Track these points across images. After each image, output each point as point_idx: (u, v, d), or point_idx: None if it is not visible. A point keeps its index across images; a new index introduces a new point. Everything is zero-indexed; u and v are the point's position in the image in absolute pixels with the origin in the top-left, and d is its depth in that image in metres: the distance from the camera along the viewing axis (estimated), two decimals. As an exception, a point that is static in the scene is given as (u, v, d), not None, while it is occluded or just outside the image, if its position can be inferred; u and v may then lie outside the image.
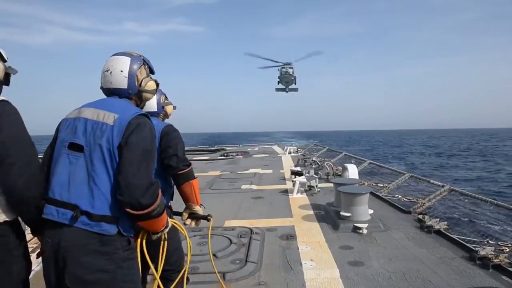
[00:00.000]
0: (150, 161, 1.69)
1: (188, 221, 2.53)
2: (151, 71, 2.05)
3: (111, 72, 1.85)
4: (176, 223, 2.08)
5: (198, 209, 2.52)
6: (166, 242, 2.00)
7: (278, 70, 37.79)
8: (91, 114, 1.72)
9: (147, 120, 1.77)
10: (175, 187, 2.54)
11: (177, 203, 2.62)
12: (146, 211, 1.58)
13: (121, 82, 1.85)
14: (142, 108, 2.02)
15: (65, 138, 1.69)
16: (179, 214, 2.56)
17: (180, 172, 2.40)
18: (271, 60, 37.88)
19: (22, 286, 1.74)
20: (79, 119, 1.72)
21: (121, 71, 1.85)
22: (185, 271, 2.39)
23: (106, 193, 1.58)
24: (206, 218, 2.51)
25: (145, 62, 1.97)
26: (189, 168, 2.44)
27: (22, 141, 1.67)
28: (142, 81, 1.93)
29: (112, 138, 1.62)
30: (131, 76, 1.87)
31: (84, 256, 1.54)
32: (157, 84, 2.06)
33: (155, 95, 2.52)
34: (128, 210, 1.57)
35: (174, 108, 2.92)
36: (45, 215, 1.62)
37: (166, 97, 2.83)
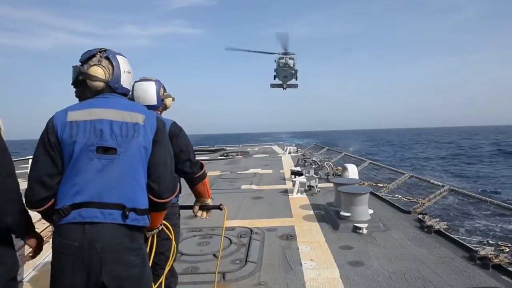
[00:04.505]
0: (172, 157, 1.89)
1: (199, 213, 2.58)
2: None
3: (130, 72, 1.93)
4: (166, 224, 2.08)
5: (209, 201, 2.60)
6: (155, 241, 1.97)
7: (275, 61, 29.17)
8: (114, 116, 1.72)
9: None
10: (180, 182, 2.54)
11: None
12: (167, 200, 1.77)
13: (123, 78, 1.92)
14: None
15: (88, 142, 1.66)
16: (189, 207, 2.59)
17: (195, 176, 2.44)
18: (261, 52, 29.60)
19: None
20: (101, 121, 1.69)
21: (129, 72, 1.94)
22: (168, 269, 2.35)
23: (144, 188, 1.72)
24: (218, 207, 2.54)
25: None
26: (203, 171, 2.47)
27: None
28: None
29: (147, 137, 1.75)
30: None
31: (121, 253, 1.61)
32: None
33: (154, 87, 2.52)
34: (152, 197, 1.73)
35: (173, 99, 2.76)
36: (87, 218, 1.59)
37: (165, 89, 2.67)
